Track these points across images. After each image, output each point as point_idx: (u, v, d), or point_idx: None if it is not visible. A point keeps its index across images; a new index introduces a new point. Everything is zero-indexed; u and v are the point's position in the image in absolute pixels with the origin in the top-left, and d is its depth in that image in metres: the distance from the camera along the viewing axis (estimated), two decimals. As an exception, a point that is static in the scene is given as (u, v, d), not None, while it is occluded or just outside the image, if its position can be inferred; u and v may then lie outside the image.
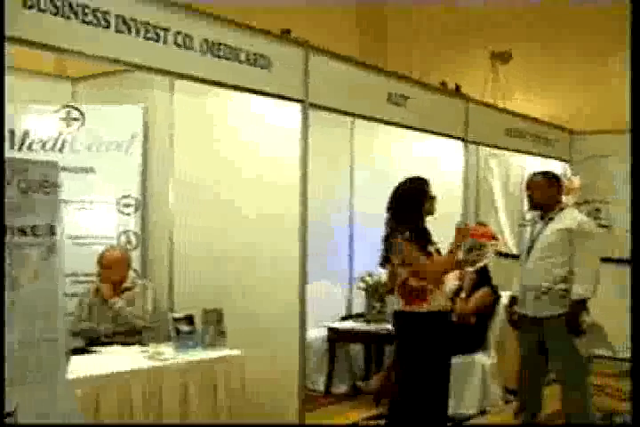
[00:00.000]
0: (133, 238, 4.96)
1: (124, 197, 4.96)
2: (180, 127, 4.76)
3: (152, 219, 4.99)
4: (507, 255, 6.26)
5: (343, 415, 4.89)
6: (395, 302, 3.96)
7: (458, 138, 5.48)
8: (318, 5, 7.03)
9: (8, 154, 4.37)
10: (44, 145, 4.92)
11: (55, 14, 2.95)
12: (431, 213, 3.91)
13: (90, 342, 4.32)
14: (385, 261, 3.97)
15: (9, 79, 2.76)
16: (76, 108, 5.00)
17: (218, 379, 3.72)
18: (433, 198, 3.91)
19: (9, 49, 2.73)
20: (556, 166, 6.48)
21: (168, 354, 3.77)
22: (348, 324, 5.64)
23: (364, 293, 5.67)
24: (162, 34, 3.38)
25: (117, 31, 3.19)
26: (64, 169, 4.19)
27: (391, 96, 4.78)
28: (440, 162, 5.56)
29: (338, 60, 4.40)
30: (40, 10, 2.89)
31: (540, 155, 6.54)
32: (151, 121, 4.98)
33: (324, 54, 4.28)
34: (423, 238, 3.84)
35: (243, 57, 3.77)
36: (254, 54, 3.82)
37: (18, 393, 2.38)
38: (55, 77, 5.38)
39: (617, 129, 6.16)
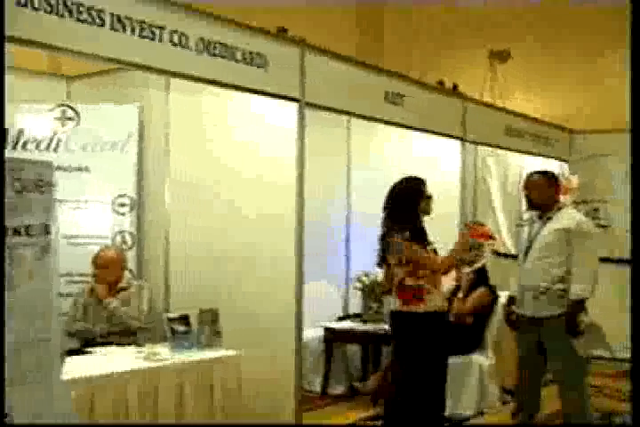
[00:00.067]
0: (129, 238, 4.93)
1: (120, 196, 4.93)
2: (175, 126, 4.74)
3: (148, 219, 4.96)
4: (505, 255, 6.25)
5: (341, 416, 4.86)
6: (391, 302, 3.96)
7: (456, 137, 5.45)
8: (318, 5, 7.01)
9: (2, 153, 4.35)
10: (38, 144, 4.89)
11: (49, 12, 2.93)
12: (427, 212, 3.91)
13: (85, 342, 4.30)
14: (382, 261, 3.96)
15: (6, 78, 2.74)
16: (71, 107, 4.98)
17: (214, 379, 3.70)
18: (429, 198, 3.91)
19: (7, 48, 2.71)
20: (554, 166, 6.46)
21: (164, 354, 3.75)
22: (345, 324, 5.62)
23: (360, 293, 5.65)
24: (157, 32, 3.36)
25: (112, 29, 3.17)
26: (59, 168, 4.20)
27: (388, 95, 4.76)
28: (438, 161, 5.53)
29: (335, 58, 4.38)
30: (33, 8, 2.87)
31: (539, 154, 6.51)
32: (147, 120, 4.95)
33: (320, 53, 4.25)
34: (421, 238, 3.84)
35: (239, 56, 3.75)
36: (250, 53, 3.80)
37: (13, 394, 2.36)
38: (50, 76, 5.34)
39: (616, 128, 6.14)
